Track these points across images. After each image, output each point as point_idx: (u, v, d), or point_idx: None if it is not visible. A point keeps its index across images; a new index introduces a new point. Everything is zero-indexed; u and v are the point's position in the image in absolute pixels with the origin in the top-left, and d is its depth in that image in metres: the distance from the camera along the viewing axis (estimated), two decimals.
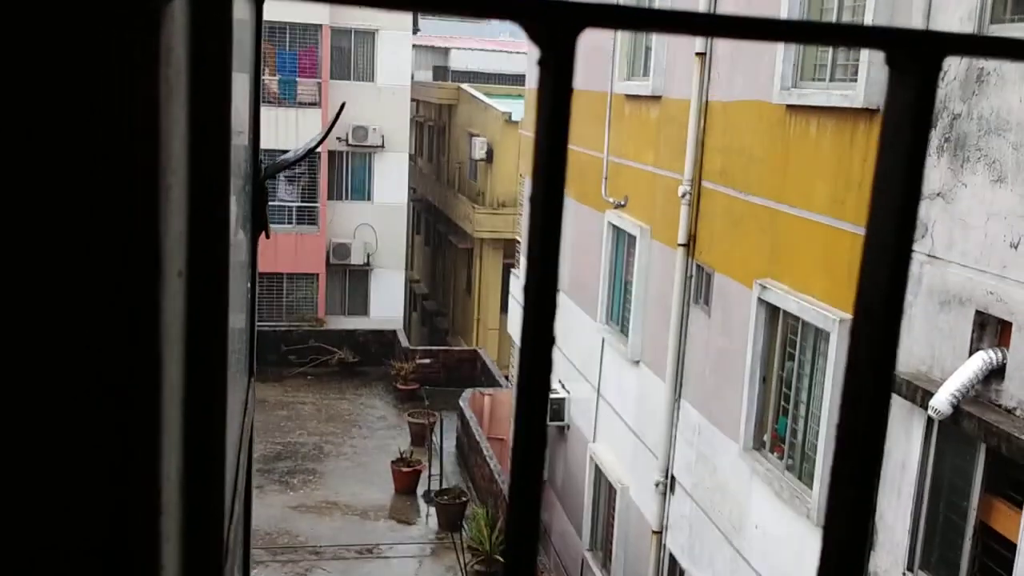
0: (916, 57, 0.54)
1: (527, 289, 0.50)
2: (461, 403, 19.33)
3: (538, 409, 0.50)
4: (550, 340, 0.50)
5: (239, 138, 1.54)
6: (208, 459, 0.76)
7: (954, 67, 6.54)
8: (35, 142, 0.48)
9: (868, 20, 7.35)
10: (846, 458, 0.55)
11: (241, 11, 1.45)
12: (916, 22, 6.85)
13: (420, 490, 17.81)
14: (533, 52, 0.50)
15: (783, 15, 8.58)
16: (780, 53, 8.67)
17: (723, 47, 10.03)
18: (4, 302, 0.50)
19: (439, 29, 42.72)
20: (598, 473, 13.43)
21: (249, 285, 1.62)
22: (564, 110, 0.50)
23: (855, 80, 7.66)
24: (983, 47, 0.58)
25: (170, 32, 0.52)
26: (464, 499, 16.85)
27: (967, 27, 6.43)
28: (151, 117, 0.47)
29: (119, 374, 0.51)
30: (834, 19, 8.14)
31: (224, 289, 0.74)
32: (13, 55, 0.48)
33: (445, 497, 16.79)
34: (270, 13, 25.23)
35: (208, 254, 0.66)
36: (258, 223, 1.62)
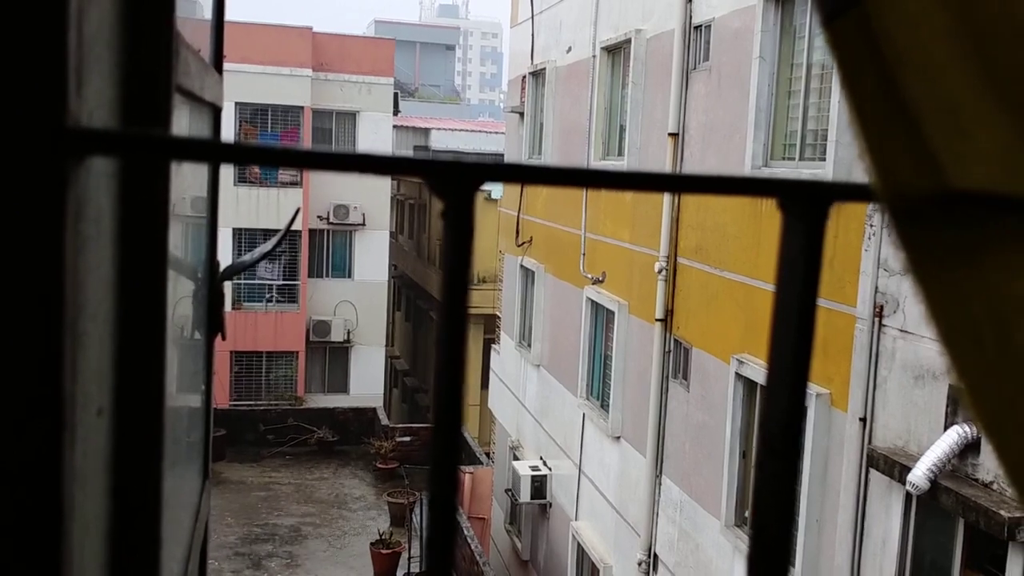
0: (805, 204, 0.57)
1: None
2: None
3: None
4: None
5: (195, 244, 1.56)
6: None
7: None
8: None
9: (834, 101, 7.53)
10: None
11: (197, 126, 1.49)
12: None
13: (400, 572, 17.47)
14: (437, 204, 0.53)
15: (751, 103, 8.78)
16: (751, 133, 8.85)
17: (696, 127, 10.22)
18: None
19: (420, 110, 43.38)
20: (581, 552, 13.24)
21: (204, 387, 1.63)
22: (465, 256, 0.53)
23: (824, 160, 7.81)
24: (870, 194, 0.61)
25: (85, 185, 0.54)
26: None
27: None
28: (53, 267, 0.49)
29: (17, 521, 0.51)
30: (801, 102, 8.33)
31: (157, 426, 0.74)
32: None
33: None
34: (252, 95, 25.54)
35: (140, 388, 0.66)
36: (213, 325, 1.63)
